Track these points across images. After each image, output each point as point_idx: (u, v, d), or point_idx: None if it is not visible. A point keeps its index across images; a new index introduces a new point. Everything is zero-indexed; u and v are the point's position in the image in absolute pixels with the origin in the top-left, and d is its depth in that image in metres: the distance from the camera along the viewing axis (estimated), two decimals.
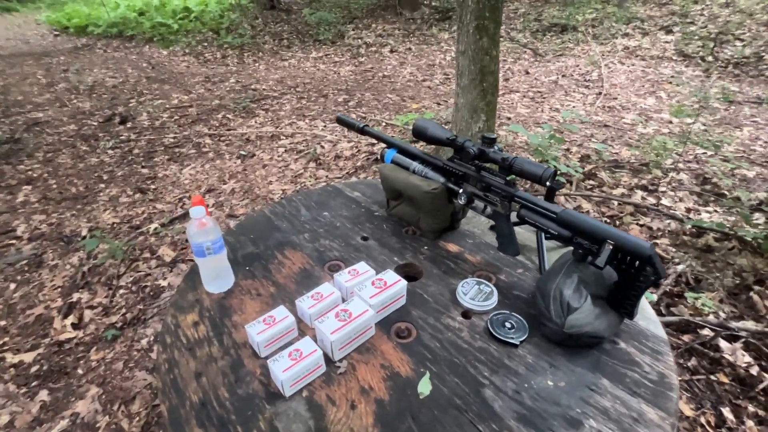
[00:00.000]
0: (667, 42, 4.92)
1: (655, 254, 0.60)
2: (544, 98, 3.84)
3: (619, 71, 4.36)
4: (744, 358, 1.26)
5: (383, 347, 0.65)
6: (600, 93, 3.80)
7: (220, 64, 5.48)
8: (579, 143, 2.77)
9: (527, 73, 4.59)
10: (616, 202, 2.09)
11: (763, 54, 4.24)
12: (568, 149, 2.63)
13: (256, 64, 5.42)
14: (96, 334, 1.55)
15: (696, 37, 4.82)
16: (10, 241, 2.05)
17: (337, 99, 4.04)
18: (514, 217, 0.80)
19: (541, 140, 2.19)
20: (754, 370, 1.22)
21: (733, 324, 1.36)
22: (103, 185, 2.57)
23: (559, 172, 2.16)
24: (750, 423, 1.11)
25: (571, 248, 0.71)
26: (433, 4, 7.12)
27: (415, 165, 0.94)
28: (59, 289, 1.76)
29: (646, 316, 0.72)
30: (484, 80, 1.96)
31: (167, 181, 2.61)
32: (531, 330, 0.68)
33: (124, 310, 1.66)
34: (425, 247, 0.91)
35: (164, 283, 1.77)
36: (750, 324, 1.38)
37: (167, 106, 3.90)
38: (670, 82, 3.97)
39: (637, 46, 4.96)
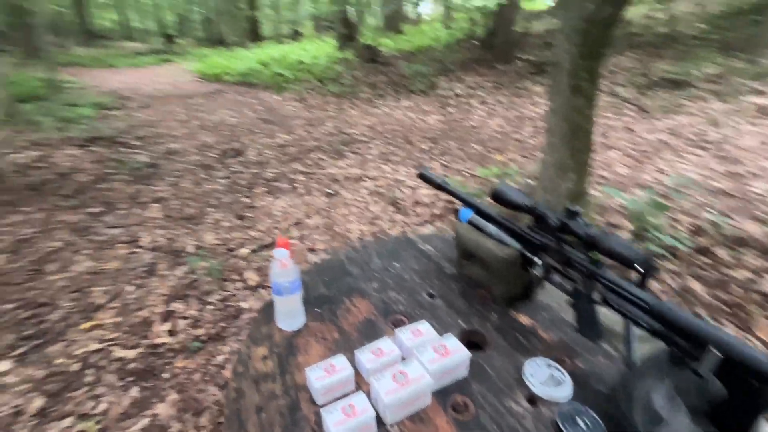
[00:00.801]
0: None
1: None
2: (648, 158, 3.51)
3: (747, 132, 3.82)
4: None
5: (437, 420, 0.63)
6: (720, 156, 3.35)
7: (321, 109, 6.11)
8: (690, 212, 2.44)
9: (630, 130, 4.27)
10: (738, 287, 1.76)
11: None
12: (674, 218, 2.33)
13: (352, 111, 5.92)
14: (184, 343, 1.73)
15: None
16: (136, 250, 2.44)
17: (422, 146, 4.18)
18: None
19: (641, 205, 1.98)
20: None
21: None
22: (211, 209, 2.96)
23: (661, 244, 1.92)
24: None
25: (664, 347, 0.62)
26: (529, 58, 7.15)
27: (491, 228, 0.92)
28: (163, 297, 2.03)
29: None
30: (576, 139, 1.87)
31: (262, 211, 2.91)
32: None
33: (209, 325, 1.83)
34: (494, 314, 0.87)
35: (245, 306, 1.93)
36: None
37: (272, 144, 4.43)
38: None
39: None
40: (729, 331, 1.58)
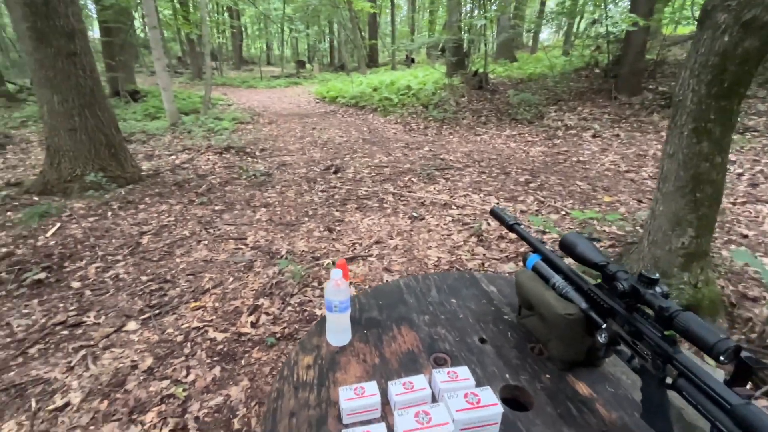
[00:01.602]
0: None
1: None
2: None
3: None
4: None
5: None
6: None
7: (421, 133, 6.29)
8: None
9: None
10: None
11: None
12: None
13: (451, 137, 5.97)
14: (262, 336, 1.93)
15: None
16: (240, 246, 2.82)
17: (519, 178, 3.99)
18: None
19: None
20: None
21: None
22: (306, 219, 3.26)
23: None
24: None
25: None
26: (660, 88, 6.34)
27: (557, 279, 0.85)
28: (254, 292, 2.29)
29: None
30: (698, 190, 1.60)
31: (349, 226, 3.10)
32: None
33: (285, 325, 2.01)
34: (547, 376, 0.80)
35: (318, 313, 2.08)
36: None
37: (369, 164, 4.70)
38: None
39: None
40: None
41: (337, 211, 3.39)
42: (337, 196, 3.71)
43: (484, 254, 2.56)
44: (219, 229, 3.09)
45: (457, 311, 1.00)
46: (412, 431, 0.61)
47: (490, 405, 0.66)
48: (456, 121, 6.63)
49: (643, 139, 5.01)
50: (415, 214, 3.23)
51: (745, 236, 2.62)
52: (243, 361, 1.79)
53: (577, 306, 0.78)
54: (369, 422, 0.66)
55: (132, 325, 2.02)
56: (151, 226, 3.14)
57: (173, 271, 2.52)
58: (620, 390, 0.76)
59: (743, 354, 0.55)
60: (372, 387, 0.71)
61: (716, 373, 0.64)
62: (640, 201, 3.28)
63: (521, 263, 2.40)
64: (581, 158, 4.58)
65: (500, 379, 0.79)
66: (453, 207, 3.34)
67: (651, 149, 4.65)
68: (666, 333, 0.62)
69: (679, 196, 1.65)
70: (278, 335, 1.93)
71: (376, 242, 2.80)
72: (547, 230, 2.69)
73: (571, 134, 5.51)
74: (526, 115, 6.38)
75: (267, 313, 2.09)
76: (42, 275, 2.41)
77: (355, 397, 0.69)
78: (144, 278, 2.44)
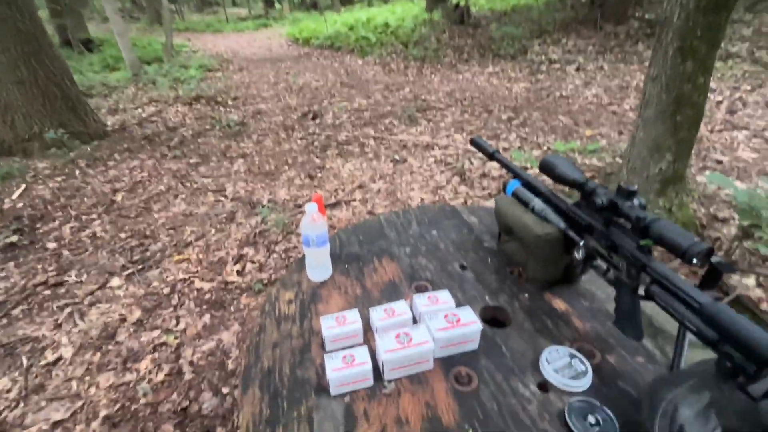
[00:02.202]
0: None
1: None
2: None
3: None
4: None
5: (436, 385, 0.62)
6: None
7: (401, 74, 6.00)
8: None
9: None
10: None
11: None
12: None
13: (432, 76, 5.72)
14: (249, 284, 1.94)
15: None
16: (220, 198, 2.75)
17: (501, 116, 3.91)
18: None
19: (758, 198, 1.63)
20: None
21: None
22: (286, 167, 3.17)
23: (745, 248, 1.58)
24: None
25: (716, 357, 0.52)
26: (647, 16, 6.10)
27: (536, 202, 0.85)
28: (238, 242, 2.27)
29: None
30: (679, 112, 1.58)
31: (331, 172, 3.03)
32: None
33: (272, 271, 2.02)
34: (526, 295, 0.82)
35: None
36: None
37: (348, 108, 4.51)
38: None
39: None
40: None
41: (317, 158, 3.30)
42: (316, 143, 3.59)
43: (467, 192, 2.56)
44: (196, 183, 2.99)
45: (437, 242, 1.00)
46: (393, 351, 0.62)
47: (470, 323, 0.67)
48: (437, 60, 6.33)
49: (627, 70, 4.89)
50: (397, 157, 3.17)
51: (720, 162, 2.67)
52: (232, 308, 1.81)
53: (555, 226, 0.78)
54: (352, 347, 0.67)
55: (116, 281, 2.00)
56: (125, 183, 3.01)
57: (153, 227, 2.46)
58: (595, 304, 0.79)
59: (713, 258, 0.56)
60: (353, 315, 0.72)
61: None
62: (621, 133, 3.27)
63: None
64: (564, 93, 4.48)
65: (480, 301, 0.81)
66: (435, 148, 3.28)
67: (634, 80, 4.57)
68: (641, 243, 0.62)
69: (660, 121, 1.63)
70: (265, 281, 1.94)
71: (359, 187, 2.76)
72: (529, 165, 2.68)
73: (555, 68, 5.34)
74: (509, 50, 6.11)
75: (252, 262, 2.09)
76: (14, 238, 2.33)
77: (337, 325, 0.69)
78: (123, 235, 2.38)
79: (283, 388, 0.63)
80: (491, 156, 1.01)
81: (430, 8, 8.23)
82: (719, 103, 3.66)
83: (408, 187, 2.72)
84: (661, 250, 0.62)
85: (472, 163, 2.90)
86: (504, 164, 0.97)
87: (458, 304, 0.75)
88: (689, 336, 0.67)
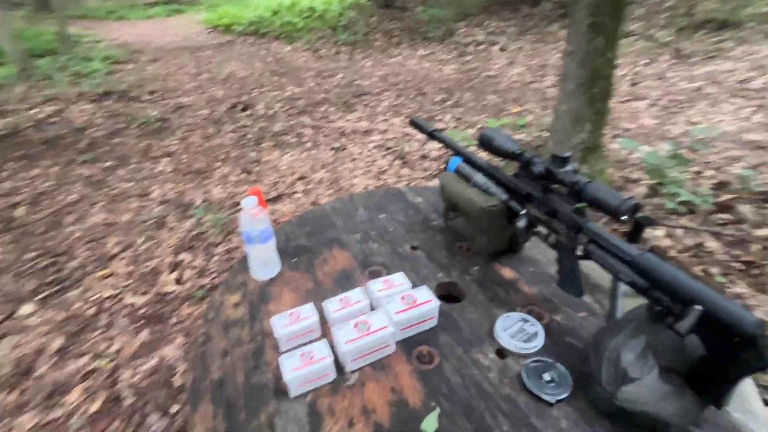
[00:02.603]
0: None
1: (763, 335, 0.45)
2: (680, 108, 3.24)
3: None
4: None
5: (399, 369, 0.62)
6: (762, 105, 3.05)
7: (332, 60, 5.85)
8: (716, 166, 2.27)
9: (662, 77, 3.92)
10: (759, 246, 1.66)
11: None
12: (698, 172, 2.17)
13: (365, 61, 5.66)
14: (190, 291, 1.80)
15: None
16: (146, 203, 2.50)
17: (435, 98, 3.98)
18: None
19: (661, 159, 1.84)
20: None
21: None
22: (219, 164, 2.96)
23: (679, 201, 1.81)
24: None
25: (646, 302, 0.58)
26: None
27: (478, 177, 0.86)
28: (172, 248, 2.09)
29: (749, 408, 0.55)
30: (594, 86, 1.72)
31: (269, 165, 2.89)
32: (575, 390, 0.57)
33: (214, 275, 1.89)
34: (476, 268, 0.84)
35: None
36: None
37: (281, 97, 4.32)
38: None
39: None
40: (738, 290, 1.51)
41: (252, 151, 3.12)
42: (250, 136, 3.39)
43: (409, 175, 2.59)
44: (115, 188, 2.68)
45: (386, 225, 0.99)
46: (353, 341, 0.60)
47: (427, 302, 0.67)
48: (368, 44, 6.26)
49: (545, 50, 5.23)
50: (336, 144, 3.11)
51: (627, 129, 2.97)
52: (173, 320, 1.67)
53: (497, 198, 0.80)
54: (310, 343, 0.64)
55: (27, 308, 1.74)
56: (25, 195, 2.62)
57: (67, 242, 2.17)
58: (538, 268, 0.83)
59: (637, 214, 0.61)
60: (308, 309, 0.68)
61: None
62: (545, 108, 3.49)
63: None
64: (491, 73, 4.67)
65: (434, 279, 0.81)
66: (374, 133, 3.26)
67: (552, 59, 4.89)
68: (577, 206, 0.66)
69: (578, 94, 1.76)
70: (208, 287, 1.82)
71: (300, 178, 2.67)
72: (465, 143, 2.77)
73: (481, 50, 5.55)
74: (437, 32, 6.22)
75: (191, 267, 1.94)
76: None
77: (291, 322, 0.66)
78: (29, 255, 2.07)
79: (238, 397, 0.59)
80: (430, 134, 1.01)
81: None
82: (623, 76, 4.05)
83: (350, 174, 2.68)
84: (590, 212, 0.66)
85: (411, 146, 2.93)
86: (444, 142, 0.97)
87: (413, 284, 0.75)
88: (621, 287, 0.73)
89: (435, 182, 2.45)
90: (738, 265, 1.61)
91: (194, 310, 1.70)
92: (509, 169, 0.83)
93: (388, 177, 2.59)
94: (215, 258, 2.00)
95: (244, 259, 0.87)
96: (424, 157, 2.76)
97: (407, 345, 0.66)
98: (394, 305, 0.66)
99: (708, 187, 2.03)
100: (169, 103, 4.30)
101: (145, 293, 1.80)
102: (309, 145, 3.16)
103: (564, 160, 0.68)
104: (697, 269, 1.61)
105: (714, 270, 1.60)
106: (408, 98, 4.03)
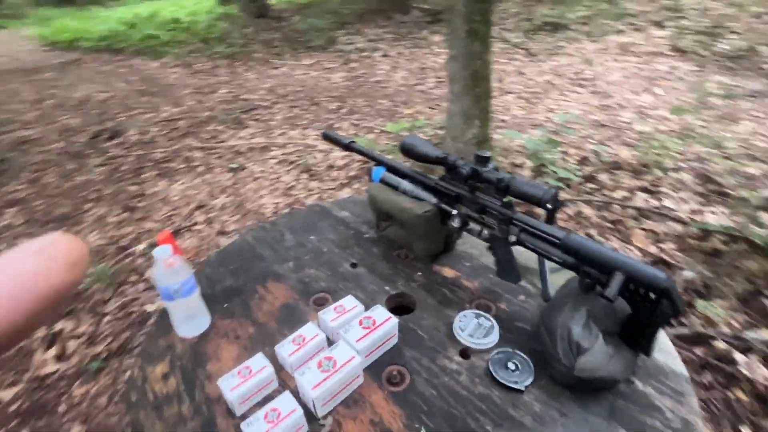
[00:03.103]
0: (660, 37, 4.87)
1: (673, 287, 0.53)
2: (539, 99, 3.79)
3: (613, 69, 4.31)
4: (761, 372, 1.19)
5: (373, 398, 0.59)
6: (595, 92, 3.75)
7: (210, 74, 5.43)
8: (576, 145, 2.71)
9: (521, 73, 4.54)
10: (618, 206, 2.02)
11: (758, 46, 4.20)
12: (565, 151, 2.57)
13: (247, 74, 5.37)
14: (80, 366, 1.47)
15: (689, 31, 4.77)
16: None
17: (329, 106, 3.98)
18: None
19: (537, 143, 2.13)
20: None
21: (748, 335, 1.29)
22: (90, 205, 2.50)
23: (558, 177, 2.11)
24: None
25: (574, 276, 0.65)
26: (425, 6, 7.09)
27: (405, 184, 0.87)
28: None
29: (664, 348, 0.66)
30: (477, 86, 1.90)
31: (156, 198, 2.54)
32: (537, 370, 0.61)
33: (110, 339, 1.58)
34: (419, 273, 0.85)
35: (152, 308, 1.70)
36: (765, 333, 1.32)
37: (157, 119, 3.84)
38: (667, 78, 3.92)
39: (631, 42, 4.91)
40: (613, 244, 1.82)
41: (132, 184, 2.71)
42: (125, 167, 2.93)
43: (319, 187, 2.53)
44: None
45: (319, 247, 0.94)
46: (321, 383, 0.55)
47: (386, 320, 0.65)
48: (248, 56, 5.95)
49: (421, 54, 5.63)
50: (233, 165, 2.88)
51: (504, 121, 3.37)
52: (63, 406, 1.34)
53: (429, 203, 0.82)
54: (271, 398, 0.56)
55: None
56: None
57: None
58: (474, 262, 0.88)
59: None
60: (258, 360, 0.60)
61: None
62: (432, 108, 3.76)
63: (357, 186, 2.49)
64: (378, 78, 4.85)
65: (382, 293, 0.80)
66: (274, 148, 3.11)
67: (428, 62, 5.29)
68: (504, 200, 0.71)
69: (465, 93, 1.93)
70: (104, 355, 1.51)
71: (198, 207, 2.40)
72: (383, 150, 2.82)
73: (364, 56, 5.72)
74: (319, 41, 6.23)
75: (75, 336, 1.59)
76: None
77: (242, 381, 0.57)
78: None
79: None
80: (347, 147, 0.99)
81: (224, 1, 7.62)
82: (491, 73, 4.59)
83: (256, 195, 2.51)
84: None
85: (315, 157, 2.87)
86: (363, 153, 0.96)
87: (365, 304, 0.72)
88: (548, 266, 0.82)
89: (346, 193, 2.44)
90: (608, 225, 1.94)
91: (91, 387, 1.40)
92: (431, 173, 0.86)
93: (298, 192, 2.49)
94: (107, 318, 1.68)
95: (162, 318, 0.74)
96: (331, 167, 2.73)
97: (374, 370, 0.63)
98: (354, 332, 0.63)
99: (574, 163, 2.41)
100: (4, 140, 3.48)
101: (14, 384, 1.42)
102: (201, 169, 2.87)
103: (486, 160, 0.72)
104: (581, 233, 1.90)
105: (593, 232, 1.90)
106: (302, 109, 3.95)
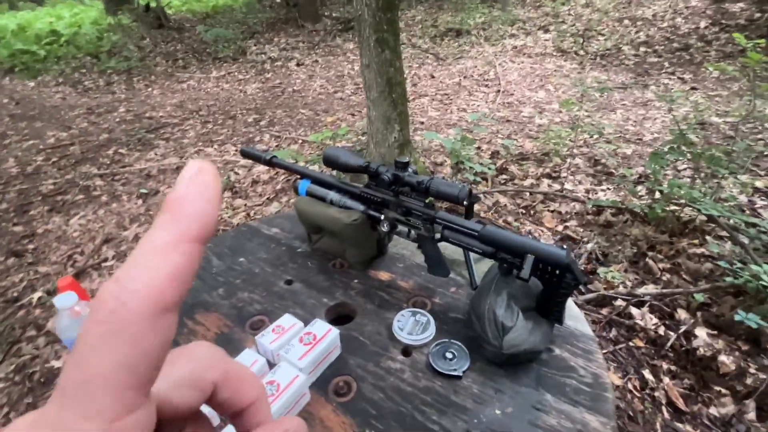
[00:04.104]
0: (546, 40, 5.51)
1: (573, 261, 0.61)
2: (450, 100, 4.04)
3: (511, 69, 4.77)
4: (652, 321, 1.41)
5: (322, 413, 0.59)
6: (498, 91, 4.11)
7: (104, 92, 4.89)
8: (488, 140, 2.95)
9: (432, 77, 4.80)
10: (528, 193, 2.24)
11: (621, 46, 4.95)
12: (479, 147, 2.78)
13: (149, 89, 4.94)
14: None
15: (568, 35, 5.47)
16: None
17: (247, 119, 3.82)
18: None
19: (454, 143, 2.27)
20: (662, 330, 1.38)
21: (639, 291, 1.52)
22: None
23: (475, 172, 2.27)
24: (666, 380, 1.25)
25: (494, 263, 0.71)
26: (334, 15, 7.15)
27: (332, 195, 0.88)
28: None
29: (573, 315, 0.75)
30: (393, 92, 1.97)
31: (50, 237, 2.22)
32: (472, 355, 0.66)
33: (6, 409, 1.35)
34: (356, 281, 0.86)
35: (59, 364, 1.48)
36: (651, 288, 1.56)
37: (41, 147, 3.35)
38: (556, 76, 4.44)
39: (523, 45, 5.48)
40: (528, 227, 2.02)
41: (16, 225, 2.33)
42: (5, 205, 2.52)
43: (245, 204, 2.43)
44: None
45: (251, 267, 0.91)
46: None
47: (327, 333, 0.65)
48: (148, 70, 5.47)
49: (337, 62, 5.67)
50: (144, 190, 2.63)
51: (422, 122, 3.54)
52: None
53: (357, 211, 0.84)
54: None
55: None
56: None
57: None
58: (407, 262, 0.92)
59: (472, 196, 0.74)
60: None
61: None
62: (353, 115, 3.81)
63: (286, 199, 2.42)
64: (295, 88, 4.78)
65: (321, 306, 0.79)
66: None
67: (345, 69, 5.35)
68: (426, 201, 0.76)
69: (382, 99, 1.99)
70: None
71: (106, 241, 2.15)
72: (295, 160, 2.77)
73: (278, 66, 5.60)
74: (228, 52, 5.95)
75: None
76: None
77: None
78: None
79: None
80: (269, 163, 0.97)
81: (112, 10, 6.91)
82: (405, 78, 4.79)
83: None
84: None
85: (237, 173, 2.74)
86: (285, 167, 0.95)
87: (304, 320, 0.72)
88: (472, 257, 0.88)
89: (274, 207, 2.37)
90: (522, 210, 2.14)
91: None
92: (358, 181, 0.88)
93: (222, 212, 2.36)
94: (2, 385, 1.43)
95: None
96: (255, 182, 2.62)
97: (320, 384, 0.63)
98: (295, 350, 0.62)
99: (488, 158, 2.63)
100: None
101: None
102: (105, 198, 2.58)
103: (405, 165, 0.76)
104: (500, 222, 2.07)
105: (510, 219, 2.08)
106: (217, 124, 3.74)
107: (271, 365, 0.64)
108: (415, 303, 0.79)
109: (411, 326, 0.71)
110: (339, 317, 0.80)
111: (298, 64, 5.60)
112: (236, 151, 3.12)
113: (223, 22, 7.00)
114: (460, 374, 0.63)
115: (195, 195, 0.15)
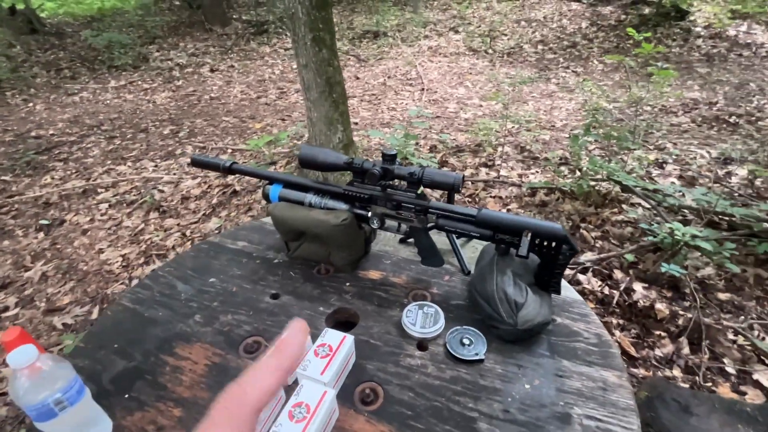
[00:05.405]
0: (457, 41, 5.87)
1: (567, 233, 0.65)
2: (379, 100, 4.10)
3: (431, 68, 4.99)
4: (597, 284, 1.58)
5: (356, 426, 0.54)
6: (423, 89, 4.27)
7: None
8: (423, 136, 3.05)
9: (357, 78, 4.82)
10: (469, 183, 2.36)
11: (522, 44, 5.48)
12: (418, 143, 2.86)
13: (29, 104, 4.22)
14: None
15: (476, 35, 5.89)
16: None
17: (162, 131, 3.46)
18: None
19: (397, 140, 2.30)
20: (606, 290, 1.54)
21: (581, 258, 1.69)
22: None
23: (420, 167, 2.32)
24: (617, 332, 1.40)
25: (488, 243, 0.73)
26: (244, 18, 6.81)
27: (310, 197, 0.83)
28: None
29: (562, 285, 0.80)
30: (333, 91, 1.93)
31: None
32: (486, 337, 0.67)
33: None
34: (347, 284, 0.82)
35: None
36: (590, 255, 1.74)
37: None
38: (471, 73, 4.75)
39: (437, 45, 5.77)
40: None
41: None
42: None
43: (178, 224, 2.19)
44: None
45: (226, 287, 0.82)
46: None
47: (342, 342, 0.61)
48: (25, 82, 4.66)
49: (255, 66, 5.41)
50: (45, 221, 2.23)
51: (356, 123, 3.54)
52: None
53: (343, 211, 0.80)
54: None
55: None
56: None
57: None
58: (393, 258, 0.90)
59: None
60: None
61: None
62: (283, 120, 3.66)
63: (226, 211, 2.24)
64: (213, 95, 4.46)
65: (318, 315, 0.74)
66: (100, 190, 2.54)
67: (265, 74, 5.13)
68: (419, 192, 0.75)
69: (323, 100, 1.94)
70: None
71: (3, 287, 1.78)
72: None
73: (189, 72, 5.16)
74: (126, 59, 5.32)
75: None
76: None
77: None
78: None
79: None
80: (229, 169, 0.88)
81: None
82: None
83: (91, 251, 2.01)
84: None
85: (162, 191, 2.46)
86: (249, 173, 0.88)
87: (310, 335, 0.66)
88: (458, 242, 0.90)
89: (214, 223, 2.17)
90: (467, 199, 2.25)
91: None
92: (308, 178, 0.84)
93: (150, 236, 2.10)
94: None
95: None
96: (185, 198, 2.38)
97: (344, 396, 0.58)
98: (314, 365, 0.57)
99: (427, 152, 2.71)
100: None
101: None
102: None
103: (393, 157, 0.75)
104: None
105: None
106: (126, 138, 3.32)
107: (286, 388, 0.58)
108: (414, 297, 0.78)
109: (422, 320, 0.69)
110: (340, 324, 0.75)
111: (212, 70, 5.22)
112: (156, 166, 2.81)
113: (115, 26, 6.25)
114: (483, 357, 0.63)
115: (293, 341, 0.27)
